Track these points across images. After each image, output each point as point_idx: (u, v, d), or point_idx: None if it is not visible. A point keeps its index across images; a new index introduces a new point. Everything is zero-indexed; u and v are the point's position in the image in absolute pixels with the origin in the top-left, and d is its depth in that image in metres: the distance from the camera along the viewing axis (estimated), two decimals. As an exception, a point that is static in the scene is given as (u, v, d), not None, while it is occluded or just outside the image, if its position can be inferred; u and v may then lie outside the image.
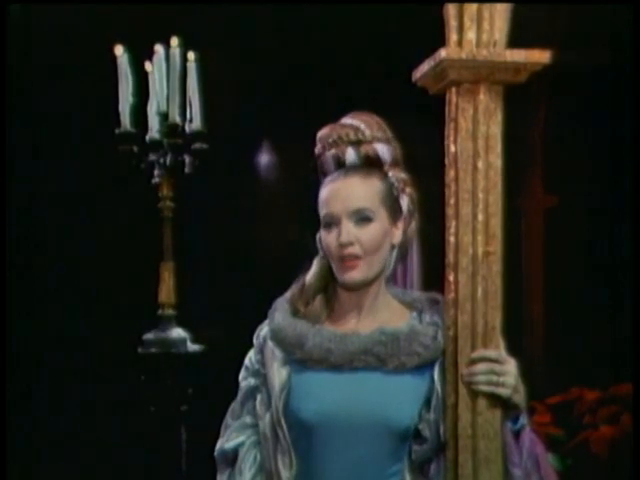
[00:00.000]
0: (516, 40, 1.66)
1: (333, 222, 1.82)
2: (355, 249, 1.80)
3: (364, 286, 1.84)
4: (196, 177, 4.23)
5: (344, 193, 1.81)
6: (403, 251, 1.88)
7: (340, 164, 1.84)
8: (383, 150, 1.84)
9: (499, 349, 1.70)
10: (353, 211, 1.80)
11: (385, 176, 1.84)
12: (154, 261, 4.24)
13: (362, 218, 1.80)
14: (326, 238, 1.83)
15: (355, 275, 1.81)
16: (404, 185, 1.85)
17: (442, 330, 1.79)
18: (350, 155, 1.83)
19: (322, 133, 1.87)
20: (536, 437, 1.80)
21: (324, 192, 1.85)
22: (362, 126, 1.84)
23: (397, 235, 1.85)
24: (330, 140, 1.85)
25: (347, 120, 1.86)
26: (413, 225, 1.87)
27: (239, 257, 5.06)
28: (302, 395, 1.81)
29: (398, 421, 1.78)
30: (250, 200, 5.22)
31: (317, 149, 1.88)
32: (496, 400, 1.68)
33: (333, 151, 1.84)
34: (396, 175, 1.84)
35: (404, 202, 1.85)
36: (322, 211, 1.84)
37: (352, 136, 1.83)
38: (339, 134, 1.84)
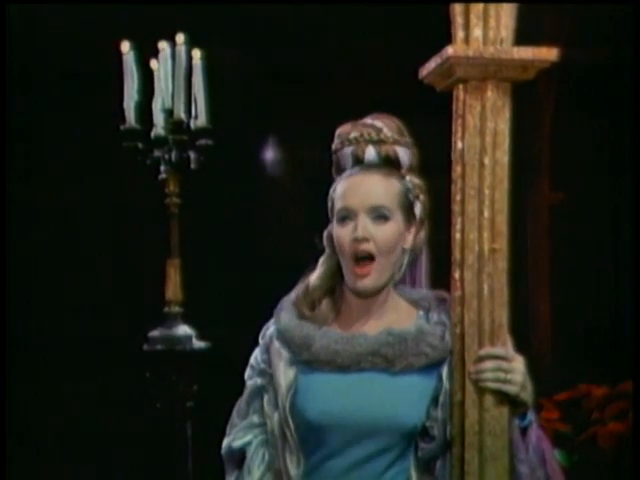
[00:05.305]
0: (523, 37, 1.66)
1: (349, 216, 1.80)
2: (370, 246, 1.78)
3: (374, 293, 1.83)
4: (202, 173, 4.22)
5: (364, 188, 1.80)
6: (412, 257, 1.87)
7: (358, 161, 1.83)
8: (403, 153, 1.83)
9: (506, 346, 1.70)
10: (372, 207, 1.79)
11: (402, 179, 1.83)
12: (160, 258, 4.24)
13: (379, 216, 1.79)
14: (340, 233, 1.81)
15: (367, 283, 1.80)
16: (419, 191, 1.85)
17: (449, 329, 1.78)
18: (370, 153, 1.82)
19: (342, 130, 1.86)
20: (543, 433, 1.80)
21: (341, 186, 1.83)
22: (384, 127, 1.83)
23: (409, 240, 1.84)
24: (350, 137, 1.84)
25: (369, 120, 1.85)
26: (422, 234, 1.86)
27: (245, 254, 5.06)
28: (309, 396, 1.81)
29: (406, 421, 1.78)
30: (255, 196, 5.22)
31: (335, 145, 1.87)
32: (503, 397, 1.68)
33: (352, 148, 1.83)
34: (412, 180, 1.84)
35: (417, 208, 1.84)
36: (338, 204, 1.82)
37: (374, 135, 1.83)
38: (360, 132, 1.83)
